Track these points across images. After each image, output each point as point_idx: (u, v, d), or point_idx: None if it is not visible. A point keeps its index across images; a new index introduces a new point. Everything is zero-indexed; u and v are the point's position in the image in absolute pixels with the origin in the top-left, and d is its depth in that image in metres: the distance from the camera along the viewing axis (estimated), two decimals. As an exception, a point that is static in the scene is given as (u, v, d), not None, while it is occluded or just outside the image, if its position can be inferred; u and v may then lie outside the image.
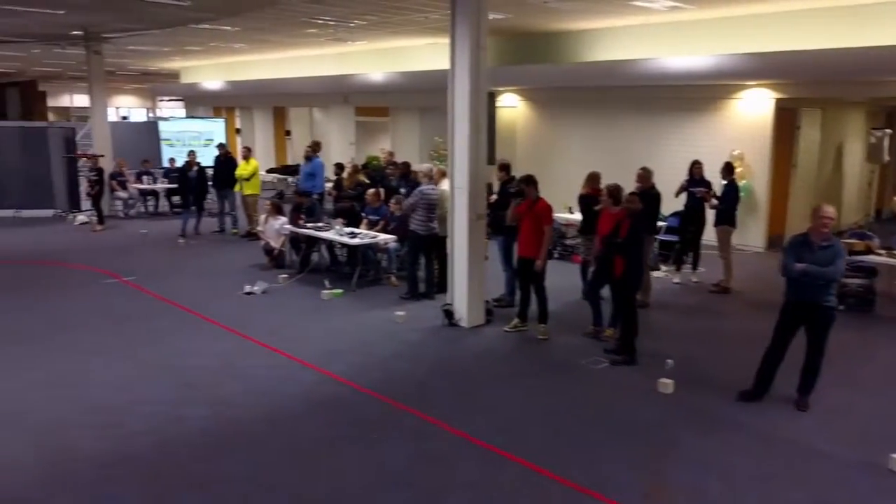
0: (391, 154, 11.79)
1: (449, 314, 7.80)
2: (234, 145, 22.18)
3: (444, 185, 8.95)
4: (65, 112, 37.49)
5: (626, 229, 6.57)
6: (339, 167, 12.22)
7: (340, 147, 19.67)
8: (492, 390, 6.12)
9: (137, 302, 8.67)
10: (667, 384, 6.07)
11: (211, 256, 11.44)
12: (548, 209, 7.33)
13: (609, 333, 7.39)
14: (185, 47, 19.24)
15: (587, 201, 8.58)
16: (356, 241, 9.27)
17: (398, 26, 13.98)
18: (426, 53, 17.38)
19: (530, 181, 7.33)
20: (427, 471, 4.73)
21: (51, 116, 34.89)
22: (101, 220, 13.74)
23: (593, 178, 8.72)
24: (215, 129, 18.84)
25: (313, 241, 10.38)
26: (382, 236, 9.49)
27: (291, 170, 18.95)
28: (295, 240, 10.51)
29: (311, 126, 21.89)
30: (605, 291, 7.22)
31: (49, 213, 15.19)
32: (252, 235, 12.61)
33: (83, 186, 14.76)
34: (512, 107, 15.81)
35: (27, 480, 4.53)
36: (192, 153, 13.25)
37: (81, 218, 14.44)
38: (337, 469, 4.75)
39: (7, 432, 5.16)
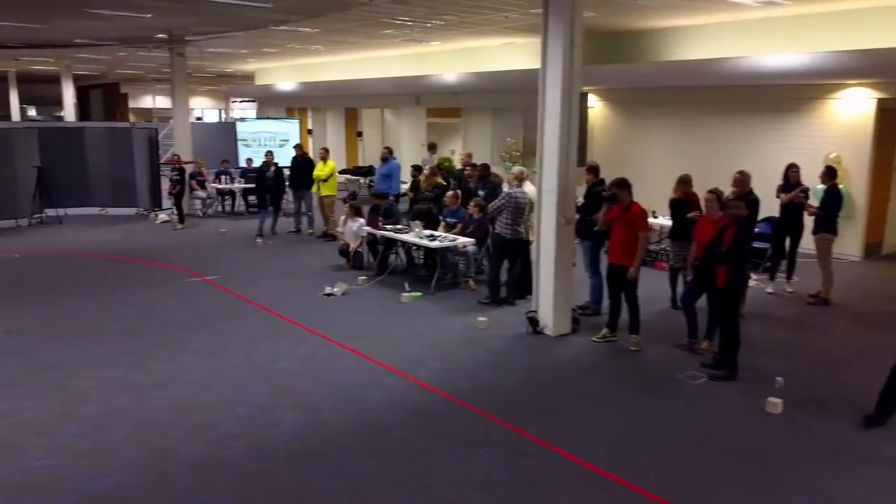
0: (469, 156, 11.59)
1: (534, 322, 7.56)
2: (307, 146, 22.46)
3: (525, 187, 8.75)
4: (147, 113, 38.72)
5: (731, 237, 6.19)
6: (417, 169, 12.12)
7: (411, 148, 19.64)
8: (586, 404, 5.85)
9: (221, 301, 8.74)
10: (775, 404, 5.68)
11: (288, 257, 11.51)
12: (643, 214, 7.02)
13: (705, 346, 7.02)
14: (263, 49, 19.57)
15: (678, 206, 8.21)
16: (436, 244, 9.12)
17: (476, 26, 13.80)
18: (500, 53, 17.16)
19: (624, 185, 7.02)
20: (531, 491, 4.50)
21: (131, 117, 36.21)
22: (181, 218, 14.06)
23: (685, 182, 8.34)
24: (290, 130, 19.08)
25: (391, 243, 10.31)
26: (462, 239, 9.32)
27: (363, 171, 19.04)
28: (371, 241, 10.47)
29: (382, 127, 21.96)
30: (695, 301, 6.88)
31: (132, 211, 15.65)
32: (328, 236, 12.68)
33: (165, 186, 15.14)
34: (589, 107, 15.40)
35: (127, 481, 4.52)
36: (269, 153, 13.39)
37: (163, 216, 14.82)
38: (434, 485, 4.58)
39: (109, 432, 5.19)
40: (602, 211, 7.34)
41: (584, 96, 7.27)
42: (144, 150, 15.43)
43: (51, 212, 14.68)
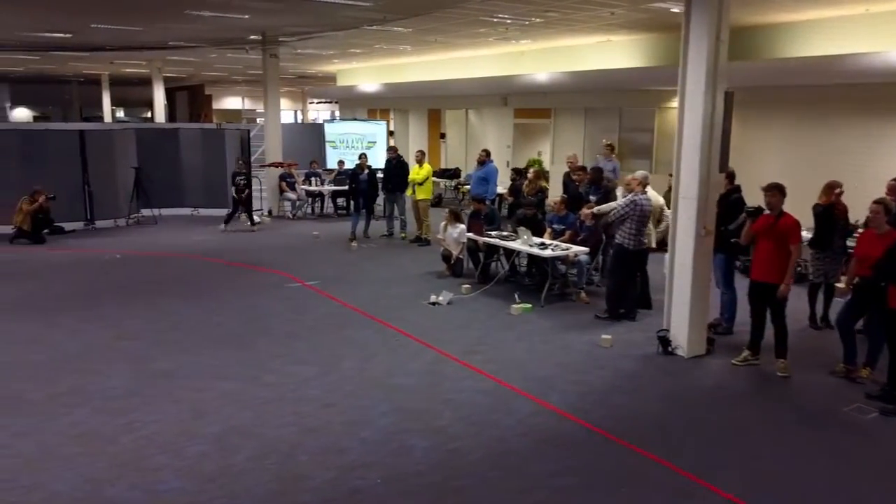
0: (575, 157, 10.98)
1: (665, 341, 6.94)
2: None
3: (649, 193, 8.17)
4: (236, 115, 39.31)
5: (912, 254, 5.45)
6: (517, 172, 11.62)
7: (497, 149, 19.15)
8: (744, 438, 5.23)
9: (326, 309, 8.46)
10: (974, 449, 4.93)
11: (385, 262, 11.21)
12: (795, 226, 6.31)
13: (865, 374, 6.27)
14: (350, 50, 19.47)
15: (824, 213, 7.47)
16: (548, 252, 8.59)
17: (575, 23, 13.22)
18: (594, 52, 16.48)
19: (781, 190, 6.33)
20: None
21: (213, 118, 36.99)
22: (227, 221, 13.82)
23: (831, 187, 7.59)
24: (378, 132, 18.89)
25: (492, 251, 9.85)
26: (575, 248, 8.77)
27: (449, 173, 18.68)
28: (472, 248, 10.02)
29: (466, 129, 21.57)
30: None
31: (222, 212, 15.66)
32: (421, 241, 12.35)
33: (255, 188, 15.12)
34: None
35: (257, 511, 4.20)
36: (363, 156, 13.15)
37: (254, 218, 14.78)
38: (593, 530, 4.08)
39: (234, 453, 4.89)
40: (746, 225, 6.67)
41: (728, 96, 6.61)
42: (236, 151, 15.44)
43: (146, 212, 14.85)
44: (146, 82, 30.73)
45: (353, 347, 7.08)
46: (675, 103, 15.05)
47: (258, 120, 36.81)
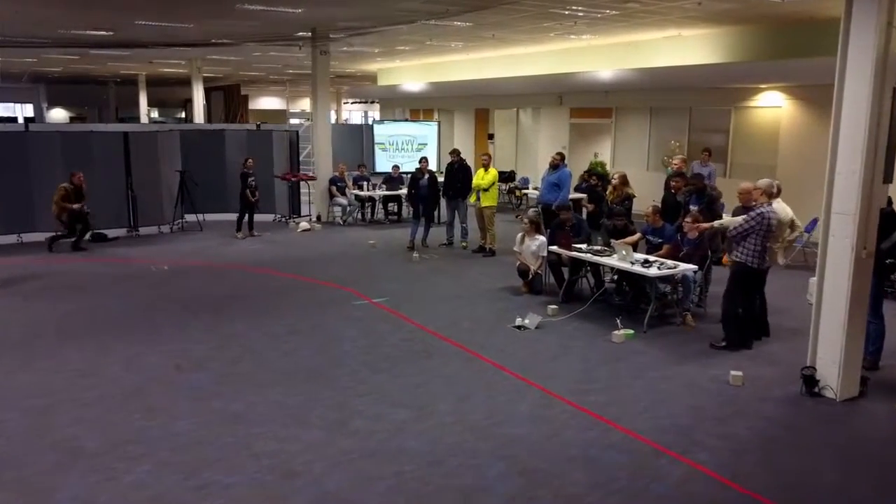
0: (683, 162, 9.89)
1: (810, 381, 5.93)
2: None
3: (775, 205, 7.13)
4: (269, 115, 38.71)
5: None
6: (599, 177, 10.64)
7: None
8: (960, 519, 4.23)
9: (401, 332, 7.57)
10: None
11: (451, 275, 10.31)
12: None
13: None
14: (397, 47, 18.61)
15: None
16: (654, 271, 7.60)
17: (652, 15, 12.19)
18: (661, 48, 15.41)
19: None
20: None
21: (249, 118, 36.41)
22: (239, 227, 13.06)
23: None
24: (429, 133, 18.00)
25: (579, 266, 8.90)
26: (683, 266, 7.76)
27: (503, 176, 17.70)
28: (554, 262, 9.07)
29: (517, 129, 20.60)
30: None
31: (270, 217, 14.91)
32: (485, 251, 11.45)
33: (304, 190, 14.32)
34: (775, 106, 13.49)
35: None
36: (423, 160, 12.31)
37: (303, 224, 14.01)
38: None
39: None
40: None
41: (897, 93, 5.60)
42: (284, 153, 14.67)
43: (190, 217, 14.13)
44: (182, 83, 30.21)
45: (443, 383, 6.17)
46: (754, 102, 14.02)
47: (291, 120, 36.18)
